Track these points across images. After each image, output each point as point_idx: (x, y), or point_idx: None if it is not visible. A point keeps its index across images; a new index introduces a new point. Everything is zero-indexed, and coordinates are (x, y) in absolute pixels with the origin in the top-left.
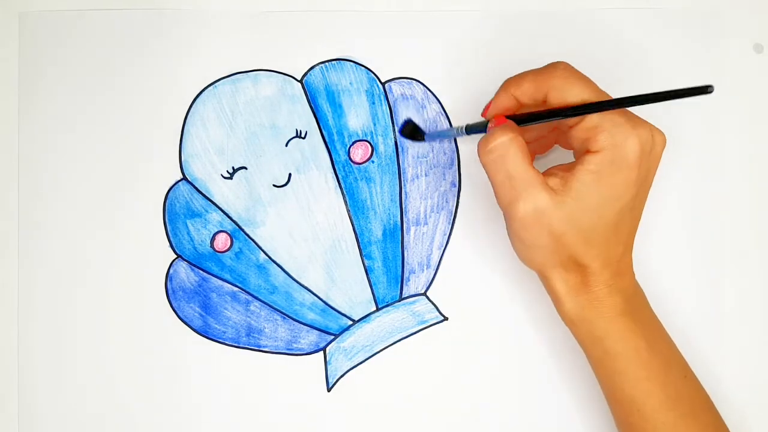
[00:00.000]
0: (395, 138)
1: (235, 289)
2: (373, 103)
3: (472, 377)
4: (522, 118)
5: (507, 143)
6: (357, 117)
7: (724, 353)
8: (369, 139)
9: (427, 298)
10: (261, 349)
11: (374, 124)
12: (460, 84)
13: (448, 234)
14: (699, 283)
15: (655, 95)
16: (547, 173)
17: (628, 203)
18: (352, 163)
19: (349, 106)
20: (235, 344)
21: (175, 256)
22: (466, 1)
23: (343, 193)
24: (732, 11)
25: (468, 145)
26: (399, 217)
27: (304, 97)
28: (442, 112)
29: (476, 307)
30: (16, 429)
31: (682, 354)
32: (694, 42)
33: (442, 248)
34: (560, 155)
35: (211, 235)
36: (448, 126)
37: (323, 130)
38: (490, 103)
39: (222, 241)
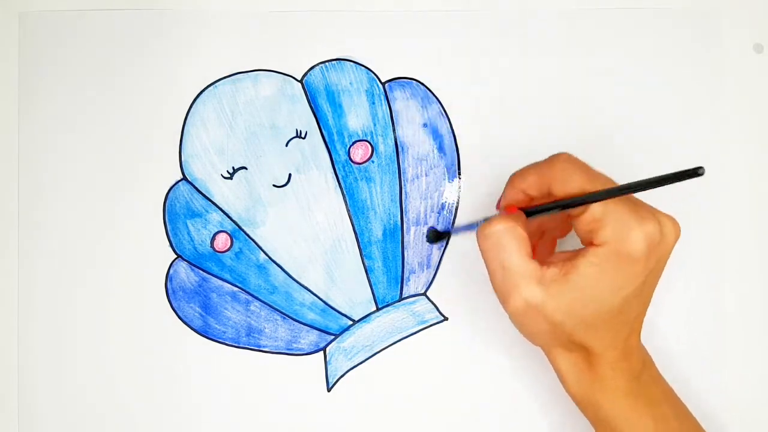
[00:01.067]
0: (395, 138)
1: (235, 289)
2: (373, 103)
3: (472, 377)
4: (530, 211)
5: (502, 231)
6: (357, 117)
7: (724, 354)
8: (369, 139)
9: (427, 298)
10: (261, 349)
11: (374, 124)
12: (460, 84)
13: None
14: (699, 284)
15: (650, 182)
16: (547, 261)
17: (633, 291)
18: (352, 163)
19: (349, 106)
20: (235, 344)
21: (175, 256)
22: (466, 1)
23: (343, 193)
24: (732, 11)
25: (468, 145)
26: (399, 217)
27: (304, 97)
28: (442, 112)
29: (476, 307)
30: (16, 429)
31: (695, 421)
32: (694, 42)
33: (442, 248)
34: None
35: (211, 235)
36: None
37: (323, 130)
38: (500, 198)
39: (222, 241)
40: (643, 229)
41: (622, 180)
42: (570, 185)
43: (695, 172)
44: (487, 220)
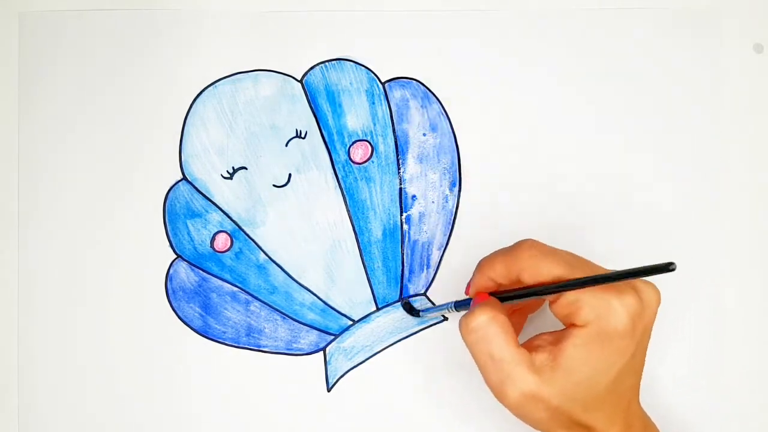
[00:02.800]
0: (395, 138)
1: (235, 289)
2: (373, 103)
3: (472, 377)
4: (502, 296)
5: (486, 323)
6: (357, 117)
7: (724, 354)
8: (369, 138)
9: (427, 298)
10: (261, 349)
11: (374, 124)
12: (460, 84)
13: (448, 234)
14: (699, 284)
15: (620, 274)
16: (533, 346)
17: (625, 365)
18: (352, 163)
19: (349, 106)
20: (235, 344)
21: (175, 256)
22: (466, 1)
23: (343, 193)
24: (732, 11)
25: (468, 145)
26: (399, 217)
27: (304, 97)
28: (442, 112)
29: None
30: (16, 429)
31: None
32: (694, 42)
33: (442, 248)
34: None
35: (211, 236)
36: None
37: (323, 130)
38: (469, 283)
39: (222, 241)
40: (622, 303)
41: (623, 181)
42: (540, 274)
43: (666, 268)
44: (463, 309)
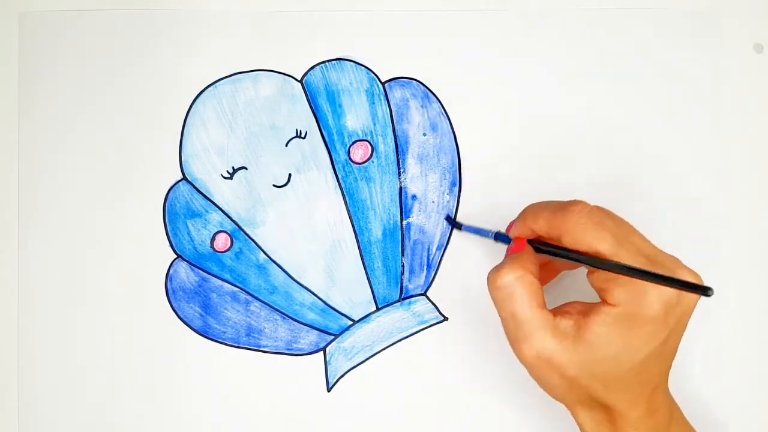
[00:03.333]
0: (395, 138)
1: (235, 289)
2: (373, 102)
3: (472, 377)
4: (541, 247)
5: (513, 281)
6: (357, 117)
7: (724, 354)
8: (369, 138)
9: (427, 298)
10: (261, 349)
11: (374, 124)
12: (460, 84)
13: (448, 234)
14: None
15: (658, 276)
16: (561, 311)
17: (653, 352)
18: (352, 163)
19: (349, 105)
20: (235, 344)
21: (175, 256)
22: (466, 1)
23: (343, 193)
24: (732, 11)
25: (469, 145)
26: (399, 217)
27: (304, 97)
28: (443, 112)
29: (476, 307)
30: (16, 429)
31: None
32: (694, 42)
33: (442, 248)
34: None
35: (211, 235)
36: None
37: (323, 130)
38: (512, 223)
39: (222, 241)
40: (658, 291)
41: (623, 182)
42: (581, 243)
43: (705, 291)
44: (501, 242)
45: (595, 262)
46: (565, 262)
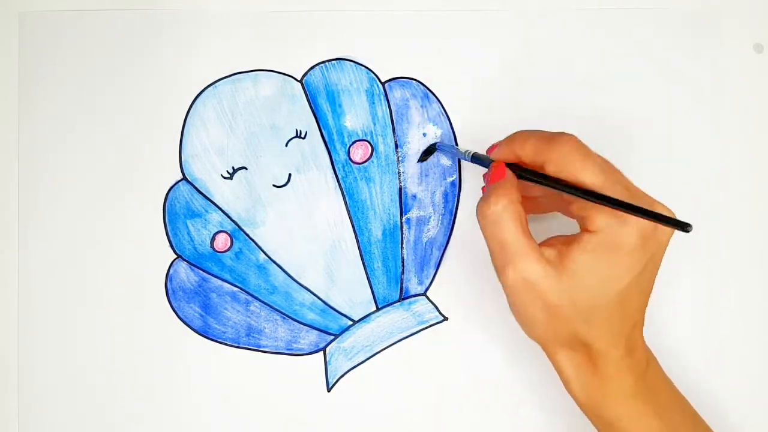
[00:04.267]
0: (395, 138)
1: (235, 289)
2: (373, 102)
3: (471, 377)
4: (522, 173)
5: (501, 210)
6: (357, 117)
7: (724, 354)
8: (369, 138)
9: (427, 298)
10: (261, 349)
11: (374, 124)
12: (460, 84)
13: (448, 234)
14: (699, 283)
15: (639, 209)
16: (546, 243)
17: (631, 282)
18: (352, 163)
19: (349, 105)
20: (235, 344)
21: (175, 256)
22: (466, 1)
23: (343, 193)
24: (732, 11)
25: (468, 144)
26: (399, 217)
27: (304, 97)
28: (443, 112)
29: (476, 307)
30: (16, 429)
31: (706, 425)
32: (694, 42)
33: (442, 248)
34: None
35: (211, 236)
36: (454, 144)
37: (323, 130)
38: (496, 144)
39: (222, 241)
40: (636, 220)
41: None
42: (566, 172)
43: (684, 227)
44: (477, 163)
45: (578, 191)
46: (545, 203)
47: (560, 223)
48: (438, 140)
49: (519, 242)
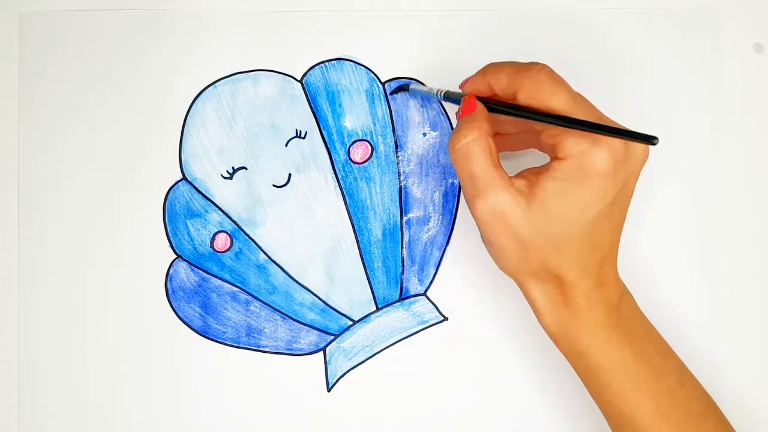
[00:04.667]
0: (395, 138)
1: (235, 289)
2: (373, 102)
3: (472, 377)
4: (493, 105)
5: (471, 142)
6: (357, 117)
7: (723, 352)
8: (369, 138)
9: (427, 298)
10: (261, 349)
11: (374, 124)
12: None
13: (448, 234)
14: (698, 283)
15: (608, 128)
16: (517, 175)
17: (602, 212)
18: (351, 163)
19: (349, 105)
20: (235, 344)
21: (175, 256)
22: (467, 1)
23: (343, 193)
24: (732, 11)
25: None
26: (399, 217)
27: (304, 97)
28: (442, 112)
29: (476, 307)
30: (16, 429)
31: (679, 359)
32: (694, 42)
33: (442, 248)
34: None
35: (211, 236)
36: (438, 102)
37: (323, 130)
38: (469, 78)
39: (222, 241)
40: (608, 144)
41: None
42: (537, 99)
43: (650, 140)
44: (450, 102)
45: (548, 117)
46: (517, 140)
47: (535, 160)
48: (412, 84)
49: (488, 173)
